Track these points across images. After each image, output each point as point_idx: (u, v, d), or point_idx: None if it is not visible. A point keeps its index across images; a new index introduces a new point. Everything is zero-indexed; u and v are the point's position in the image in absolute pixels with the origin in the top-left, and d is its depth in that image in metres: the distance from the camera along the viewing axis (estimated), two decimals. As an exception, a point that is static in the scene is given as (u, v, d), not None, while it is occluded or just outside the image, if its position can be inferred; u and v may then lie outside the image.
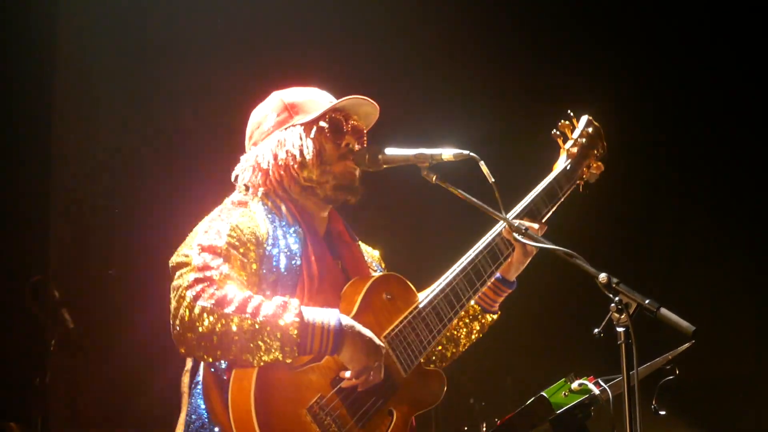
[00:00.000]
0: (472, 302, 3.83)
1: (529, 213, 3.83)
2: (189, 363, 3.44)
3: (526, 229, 3.39)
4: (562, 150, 4.03)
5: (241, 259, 3.27)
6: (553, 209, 3.91)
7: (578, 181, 4.02)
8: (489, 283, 3.78)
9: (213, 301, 3.09)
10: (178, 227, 3.53)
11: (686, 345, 4.14)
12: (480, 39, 7.74)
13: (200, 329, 3.08)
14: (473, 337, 3.94)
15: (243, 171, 3.60)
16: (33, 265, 6.91)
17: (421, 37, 7.72)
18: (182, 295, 3.14)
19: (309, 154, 3.51)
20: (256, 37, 7.49)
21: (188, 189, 6.91)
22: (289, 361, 3.13)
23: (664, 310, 2.90)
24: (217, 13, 7.47)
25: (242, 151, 3.70)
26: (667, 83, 7.65)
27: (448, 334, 3.86)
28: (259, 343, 3.08)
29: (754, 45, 7.57)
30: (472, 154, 3.35)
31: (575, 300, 6.63)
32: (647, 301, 2.91)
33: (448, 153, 3.40)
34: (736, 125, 7.61)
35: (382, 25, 7.62)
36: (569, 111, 4.07)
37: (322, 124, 3.56)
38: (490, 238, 3.73)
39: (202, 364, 3.33)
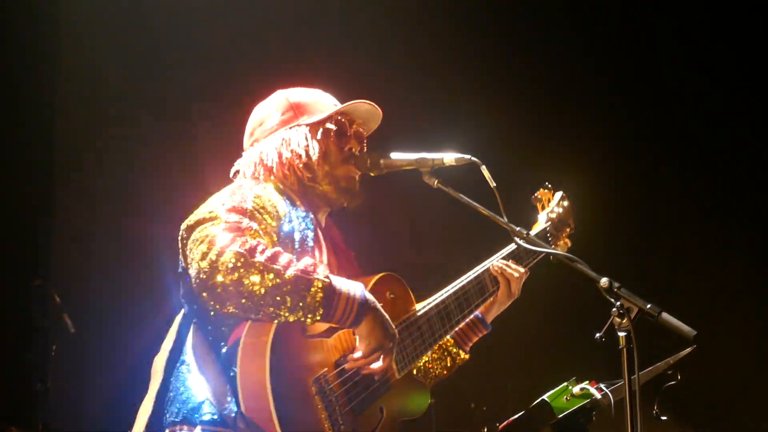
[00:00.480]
0: (448, 337, 3.88)
1: (514, 258, 3.95)
2: (167, 344, 3.40)
3: (528, 233, 3.39)
4: (540, 212, 4.22)
5: (265, 224, 3.24)
6: (531, 264, 4.01)
7: (553, 246, 4.14)
8: (468, 320, 3.87)
9: (246, 248, 3.01)
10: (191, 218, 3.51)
11: (688, 350, 4.15)
12: (483, 44, 7.74)
13: (231, 273, 2.98)
14: (443, 372, 3.96)
15: (245, 167, 3.59)
16: (34, 270, 6.91)
17: (424, 42, 7.72)
18: (212, 240, 3.04)
19: (314, 155, 3.51)
20: (259, 40, 7.49)
21: (193, 193, 6.90)
22: (309, 323, 3.08)
23: (665, 315, 2.90)
24: (221, 13, 7.48)
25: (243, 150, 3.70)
26: (669, 85, 7.64)
27: (420, 365, 3.88)
28: (287, 297, 3.01)
29: (754, 45, 7.57)
30: (473, 158, 3.36)
31: (576, 304, 6.62)
32: (649, 306, 2.91)
33: (449, 158, 3.40)
34: (738, 126, 7.61)
35: (385, 29, 7.62)
36: (546, 183, 4.23)
37: (329, 126, 3.56)
38: (479, 272, 3.83)
39: (186, 344, 3.29)
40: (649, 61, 7.68)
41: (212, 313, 3.21)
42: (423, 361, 3.88)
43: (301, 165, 3.51)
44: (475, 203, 3.33)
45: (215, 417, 3.15)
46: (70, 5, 7.42)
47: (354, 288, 3.17)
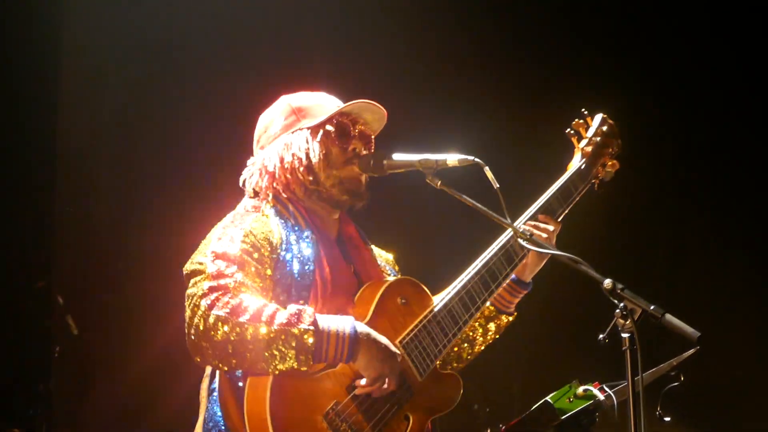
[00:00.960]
0: (488, 304, 3.83)
1: (544, 212, 3.85)
2: (208, 369, 3.41)
3: (531, 234, 3.39)
4: (576, 149, 4.06)
5: (255, 265, 3.26)
6: (568, 209, 3.93)
7: (593, 180, 4.04)
8: (504, 285, 3.80)
9: (228, 310, 3.08)
10: (184, 232, 3.53)
11: (691, 351, 4.14)
12: (486, 44, 7.73)
13: (215, 338, 3.07)
14: (489, 337, 3.92)
15: (250, 175, 3.60)
16: (37, 272, 6.91)
17: (428, 43, 7.71)
18: (197, 303, 3.13)
19: (315, 157, 3.50)
20: (263, 42, 7.49)
21: (195, 193, 6.91)
22: (304, 369, 3.12)
23: (669, 316, 2.89)
24: (225, 15, 7.48)
25: (249, 153, 3.70)
26: (671, 86, 7.63)
27: (463, 335, 3.84)
28: (274, 351, 3.07)
29: (756, 46, 7.56)
30: (477, 159, 3.34)
31: (580, 306, 6.61)
32: (652, 307, 2.90)
33: (452, 159, 3.39)
34: (740, 126, 7.60)
35: (389, 30, 7.61)
36: (583, 110, 4.09)
37: (329, 127, 3.54)
38: (504, 240, 3.74)
39: (218, 372, 3.32)
40: (650, 61, 7.67)
41: None
42: (465, 333, 3.84)
43: (302, 169, 3.50)
44: (478, 204, 3.31)
45: None
46: (72, 5, 7.42)
47: (343, 324, 3.19)
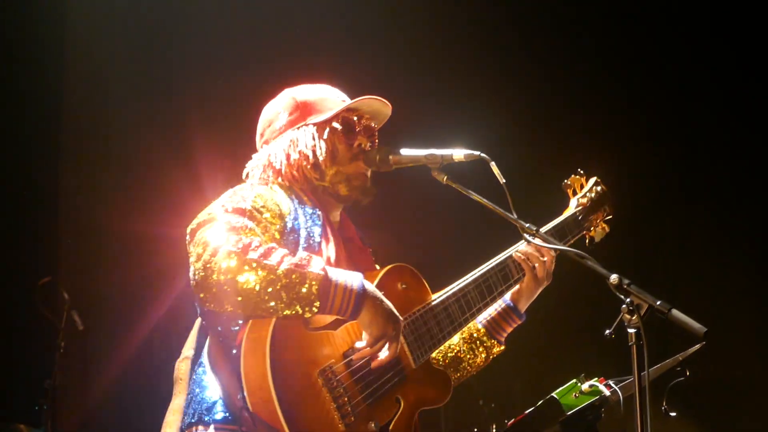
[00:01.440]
0: (479, 324, 3.88)
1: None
2: (187, 351, 3.40)
3: (537, 230, 3.38)
4: (571, 198, 4.15)
5: (265, 223, 3.25)
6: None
7: (585, 232, 4.12)
8: (499, 309, 3.86)
9: (239, 246, 3.03)
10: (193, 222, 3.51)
11: (697, 346, 4.14)
12: (493, 41, 7.74)
13: (224, 272, 3.02)
14: (478, 362, 3.92)
15: (254, 169, 3.59)
16: (42, 267, 6.93)
17: (435, 38, 7.72)
18: (207, 242, 3.08)
19: (322, 155, 3.50)
20: (267, 37, 7.50)
21: (198, 190, 6.92)
22: (308, 316, 3.09)
23: (675, 312, 2.88)
24: (227, 12, 7.49)
25: (252, 149, 3.69)
26: (676, 86, 7.63)
27: (452, 358, 3.87)
28: (281, 292, 3.03)
29: (761, 44, 7.55)
30: (483, 155, 3.34)
31: (586, 301, 6.61)
32: (659, 303, 2.89)
33: (459, 154, 3.39)
34: (743, 126, 7.59)
35: (395, 25, 7.62)
36: (579, 170, 4.17)
37: (335, 125, 3.54)
38: (502, 258, 3.77)
39: (204, 348, 3.30)
40: (657, 62, 7.68)
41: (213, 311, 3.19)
42: (454, 351, 3.87)
43: (308, 166, 3.51)
44: (484, 199, 3.31)
45: (227, 415, 3.16)
46: (75, 6, 7.44)
47: (352, 278, 3.16)
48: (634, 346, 2.89)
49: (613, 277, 2.97)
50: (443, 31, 7.77)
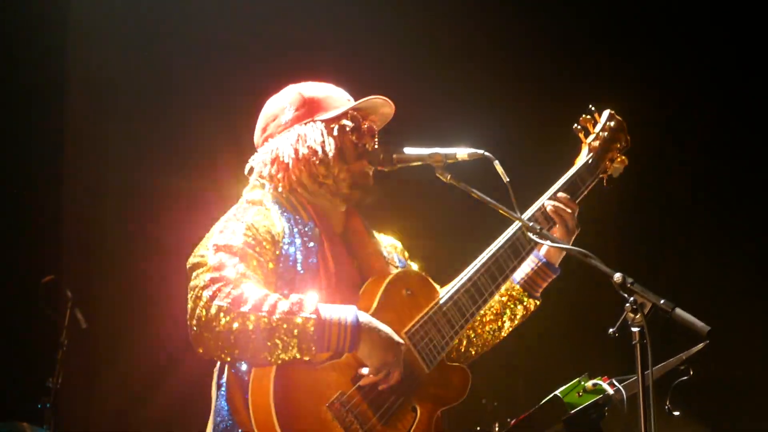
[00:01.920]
0: (516, 279, 3.85)
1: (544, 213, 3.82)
2: (217, 363, 3.40)
3: (541, 228, 3.37)
4: (583, 144, 4.02)
5: (257, 257, 3.26)
6: (584, 194, 3.91)
7: (601, 175, 4.00)
8: (534, 267, 3.83)
9: (229, 300, 3.07)
10: (190, 226, 3.53)
11: (700, 345, 4.13)
12: (497, 38, 7.73)
13: (217, 329, 3.06)
14: (516, 322, 3.90)
15: (260, 164, 3.58)
16: (45, 266, 6.93)
17: (437, 36, 7.71)
18: (198, 295, 3.12)
19: (331, 151, 3.49)
20: (269, 36, 7.50)
21: (200, 188, 6.92)
22: (307, 358, 3.11)
23: (679, 311, 2.88)
24: (228, 12, 7.49)
25: (254, 148, 3.68)
26: (680, 83, 7.62)
27: (490, 317, 3.85)
28: (276, 341, 3.06)
29: (762, 44, 7.54)
30: (486, 153, 3.33)
31: (589, 300, 6.61)
32: (662, 302, 2.89)
33: (462, 152, 3.37)
34: (746, 123, 7.58)
35: (397, 22, 7.62)
36: (591, 106, 4.05)
37: (345, 122, 3.54)
38: (511, 232, 3.71)
39: (226, 366, 3.32)
40: (659, 58, 7.67)
41: None
42: (493, 310, 3.86)
43: (317, 161, 3.49)
44: (487, 198, 3.30)
45: None
46: (78, 4, 7.44)
47: (345, 313, 3.17)
48: (638, 344, 2.89)
49: (617, 276, 2.96)
50: (446, 28, 7.76)
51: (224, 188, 3.58)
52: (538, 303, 3.92)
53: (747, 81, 7.56)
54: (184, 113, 7.48)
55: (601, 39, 7.69)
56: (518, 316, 3.90)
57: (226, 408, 3.29)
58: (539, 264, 3.86)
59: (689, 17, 7.59)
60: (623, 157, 4.05)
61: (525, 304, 3.89)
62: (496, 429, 6.21)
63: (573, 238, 3.83)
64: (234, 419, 3.25)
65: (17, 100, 7.20)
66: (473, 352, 3.89)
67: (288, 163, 3.50)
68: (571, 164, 4.00)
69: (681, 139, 7.67)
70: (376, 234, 3.78)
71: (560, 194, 3.84)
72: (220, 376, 3.37)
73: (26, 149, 7.29)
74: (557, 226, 3.80)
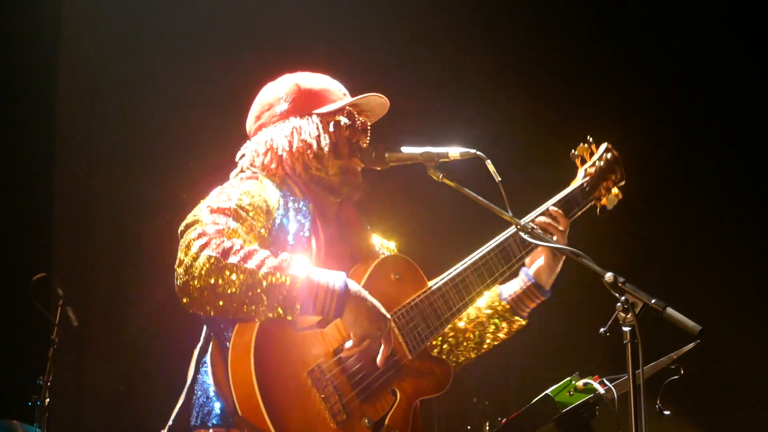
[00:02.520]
0: (504, 300, 3.87)
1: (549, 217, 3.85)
2: (199, 344, 3.40)
3: (533, 228, 3.38)
4: (579, 169, 4.06)
5: (250, 221, 3.25)
6: (570, 221, 3.91)
7: (595, 202, 4.03)
8: (524, 287, 3.85)
9: (219, 251, 3.05)
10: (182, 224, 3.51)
11: (691, 345, 4.13)
12: (491, 40, 7.74)
13: (204, 277, 3.04)
14: (499, 337, 3.93)
15: (253, 152, 3.57)
16: (37, 263, 6.92)
17: (433, 36, 7.72)
18: (189, 245, 3.10)
19: (326, 146, 3.50)
20: (262, 33, 7.50)
21: (192, 185, 6.92)
22: (290, 318, 3.09)
23: (670, 310, 2.89)
24: (221, 9, 7.49)
25: (245, 137, 3.67)
26: (674, 82, 7.64)
27: (474, 333, 3.88)
28: (262, 295, 3.04)
29: (758, 46, 7.56)
30: (478, 153, 3.34)
31: (580, 299, 6.62)
32: (653, 301, 2.90)
33: (454, 152, 3.38)
34: (742, 124, 7.60)
35: (391, 20, 7.62)
36: (588, 137, 4.09)
37: (340, 118, 3.55)
38: (503, 238, 3.73)
39: (210, 343, 3.31)
40: (652, 61, 7.68)
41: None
42: (478, 323, 3.87)
43: (311, 155, 3.50)
44: (479, 197, 3.31)
45: (223, 419, 3.19)
46: (74, 3, 7.44)
47: (334, 279, 3.16)
48: (629, 344, 2.89)
49: (608, 275, 2.97)
50: (440, 27, 7.76)
51: (219, 184, 3.56)
52: (523, 323, 3.95)
53: (745, 79, 7.57)
54: (176, 112, 7.48)
55: (596, 38, 7.69)
56: (502, 333, 3.93)
57: (208, 382, 3.27)
58: (528, 284, 3.87)
59: (686, 17, 7.60)
60: (619, 192, 4.10)
61: (510, 321, 3.92)
62: (487, 428, 6.21)
63: (560, 265, 3.86)
64: (216, 392, 3.23)
65: (8, 100, 7.19)
66: (454, 362, 3.90)
67: (282, 155, 3.50)
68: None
69: (673, 136, 7.68)
70: (370, 229, 3.78)
71: (552, 209, 3.86)
72: (202, 355, 3.36)
73: (17, 148, 7.28)
74: (544, 253, 3.83)
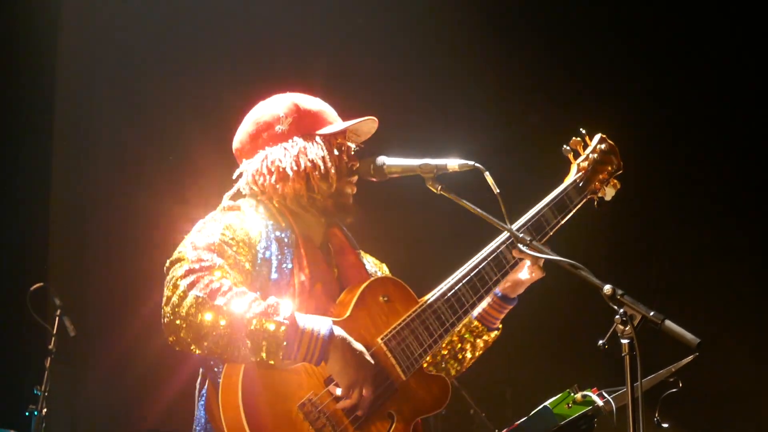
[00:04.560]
0: (474, 314, 3.83)
1: (536, 223, 3.77)
2: (199, 377, 3.40)
3: (531, 240, 3.36)
4: (572, 164, 3.98)
5: (234, 256, 3.26)
6: (564, 221, 3.84)
7: (591, 195, 3.94)
8: (490, 302, 3.81)
9: (207, 291, 3.07)
10: (178, 233, 3.51)
11: (690, 357, 4.14)
12: (488, 47, 7.74)
13: (190, 318, 3.06)
14: (477, 354, 3.91)
15: (254, 172, 3.53)
16: (34, 273, 6.91)
17: (428, 46, 7.72)
18: (176, 284, 3.11)
19: (333, 168, 3.50)
20: (257, 43, 7.50)
21: (188, 195, 6.92)
22: (272, 362, 3.10)
23: (668, 322, 2.88)
24: (218, 17, 7.50)
25: (242, 154, 3.65)
26: (672, 86, 7.63)
27: (450, 352, 3.86)
28: (246, 340, 3.06)
29: (755, 55, 7.56)
30: (477, 164, 3.32)
31: (579, 311, 6.62)
32: (652, 313, 2.89)
33: (453, 163, 3.37)
34: (739, 124, 7.59)
35: (387, 32, 7.62)
36: (581, 130, 4.02)
37: (343, 141, 3.56)
38: (495, 245, 3.70)
39: (208, 378, 3.32)
40: (650, 64, 7.68)
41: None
42: (453, 344, 3.85)
43: (317, 176, 3.49)
44: (478, 209, 3.30)
45: None
46: (72, 8, 7.45)
47: (320, 325, 3.17)
48: (627, 356, 2.89)
49: (607, 288, 2.96)
50: (433, 37, 7.76)
51: (213, 196, 3.57)
52: (497, 333, 3.92)
53: (735, 79, 7.57)
54: (175, 121, 7.48)
55: (593, 43, 7.69)
56: (479, 348, 3.91)
57: (204, 417, 3.30)
58: (495, 299, 3.84)
59: (684, 19, 7.60)
60: (616, 181, 4.01)
61: (484, 338, 3.89)
62: (485, 440, 6.19)
63: (540, 277, 3.82)
64: (210, 425, 3.26)
65: (4, 103, 7.19)
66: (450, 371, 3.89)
67: (289, 174, 3.47)
68: (561, 176, 4.00)
69: (670, 145, 7.68)
70: (358, 249, 3.77)
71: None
72: (201, 388, 3.37)
73: (14, 157, 7.27)
74: (532, 266, 3.78)
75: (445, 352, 3.86)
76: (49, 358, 6.16)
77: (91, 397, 7.50)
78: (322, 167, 3.49)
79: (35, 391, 6.12)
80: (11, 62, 7.25)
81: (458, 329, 3.81)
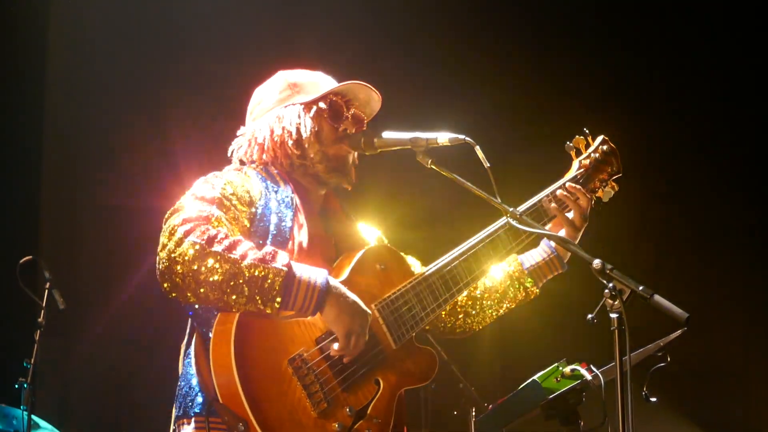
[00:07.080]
0: (525, 270, 3.92)
1: (536, 212, 3.84)
2: (186, 336, 3.40)
3: (521, 214, 3.36)
4: (574, 160, 4.04)
5: (233, 211, 3.28)
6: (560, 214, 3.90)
7: (589, 195, 3.98)
8: (546, 257, 3.91)
9: (204, 238, 3.06)
10: (169, 206, 3.51)
11: (678, 332, 4.15)
12: (478, 23, 7.74)
13: (188, 263, 3.05)
14: (512, 306, 4.00)
15: (239, 146, 3.63)
16: (23, 246, 6.90)
17: (427, 27, 7.72)
18: (173, 231, 3.11)
19: (306, 132, 3.52)
20: (253, 25, 7.49)
21: (181, 171, 6.92)
22: (269, 311, 3.11)
23: (657, 297, 2.89)
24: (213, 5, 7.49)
25: (233, 128, 3.71)
26: (667, 78, 7.64)
27: (494, 297, 3.93)
28: (244, 286, 3.05)
29: (749, 55, 7.56)
30: (467, 139, 3.33)
31: (568, 285, 6.63)
32: (641, 288, 2.90)
33: (443, 137, 3.38)
34: (735, 118, 7.61)
35: (379, 10, 7.61)
36: (585, 129, 4.06)
37: (322, 105, 3.57)
38: (492, 229, 3.74)
39: (194, 335, 3.32)
40: (643, 60, 7.68)
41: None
42: (499, 290, 3.92)
43: (291, 142, 3.53)
44: (468, 183, 3.30)
45: (204, 407, 3.20)
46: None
47: (316, 275, 3.17)
48: (616, 330, 2.90)
49: (596, 262, 2.97)
50: (433, 15, 7.75)
51: (202, 167, 3.57)
52: (536, 293, 3.99)
53: (730, 71, 7.58)
54: (166, 100, 7.48)
55: (590, 27, 7.69)
56: (517, 301, 3.97)
57: (191, 373, 3.28)
58: (551, 256, 3.92)
59: (684, 18, 7.60)
60: (614, 184, 4.07)
61: (528, 290, 3.96)
62: (473, 414, 6.21)
63: (580, 235, 3.87)
64: (199, 382, 3.24)
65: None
66: (474, 327, 3.96)
67: (263, 144, 3.55)
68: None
69: (662, 133, 7.69)
70: (355, 219, 3.78)
71: (570, 185, 3.87)
72: (187, 346, 3.37)
73: (3, 130, 7.26)
74: (568, 213, 3.85)
75: (487, 299, 3.94)
76: (38, 331, 6.15)
77: (81, 370, 7.51)
78: (294, 133, 3.52)
79: (25, 364, 6.11)
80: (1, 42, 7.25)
81: (507, 282, 3.92)
